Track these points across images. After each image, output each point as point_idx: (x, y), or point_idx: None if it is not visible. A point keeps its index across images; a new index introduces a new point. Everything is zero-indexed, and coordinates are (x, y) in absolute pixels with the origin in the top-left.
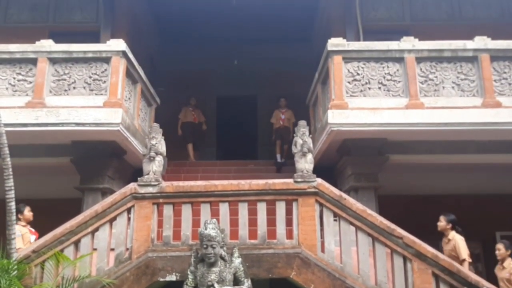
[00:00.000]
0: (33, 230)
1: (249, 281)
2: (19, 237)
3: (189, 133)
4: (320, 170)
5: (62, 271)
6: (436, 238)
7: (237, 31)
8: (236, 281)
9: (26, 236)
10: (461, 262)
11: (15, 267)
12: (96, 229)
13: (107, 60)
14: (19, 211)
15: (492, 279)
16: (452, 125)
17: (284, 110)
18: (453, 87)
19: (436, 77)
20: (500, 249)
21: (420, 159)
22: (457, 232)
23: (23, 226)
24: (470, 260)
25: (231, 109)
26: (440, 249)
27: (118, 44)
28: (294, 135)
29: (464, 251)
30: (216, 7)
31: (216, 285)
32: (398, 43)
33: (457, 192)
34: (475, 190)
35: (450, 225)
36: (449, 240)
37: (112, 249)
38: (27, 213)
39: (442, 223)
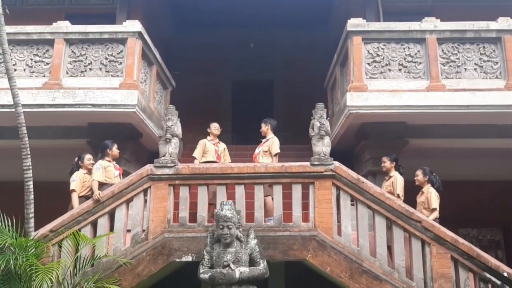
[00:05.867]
0: (117, 166)
1: (265, 262)
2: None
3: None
4: (337, 154)
5: (79, 250)
6: (455, 224)
7: (253, 14)
8: (252, 262)
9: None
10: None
11: (33, 245)
12: (113, 210)
13: (123, 41)
14: (106, 147)
15: None
16: (473, 107)
17: (264, 140)
18: (475, 69)
19: (458, 58)
20: (418, 175)
21: (440, 144)
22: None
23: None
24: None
25: (246, 93)
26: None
27: (134, 25)
28: (312, 117)
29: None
30: None
31: (232, 265)
32: (420, 24)
33: (478, 178)
34: (495, 176)
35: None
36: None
37: (128, 231)
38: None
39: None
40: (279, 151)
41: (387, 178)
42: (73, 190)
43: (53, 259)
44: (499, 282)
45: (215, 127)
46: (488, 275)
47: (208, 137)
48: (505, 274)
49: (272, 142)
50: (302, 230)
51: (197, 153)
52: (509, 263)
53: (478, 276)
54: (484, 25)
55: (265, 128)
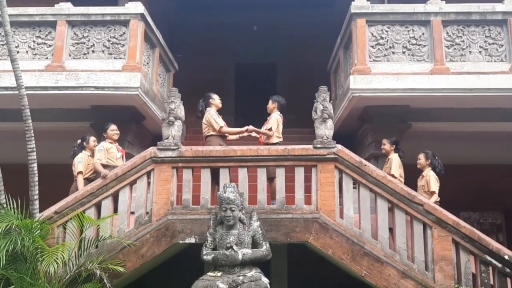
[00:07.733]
0: (120, 148)
1: (267, 244)
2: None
3: None
4: (340, 137)
5: (84, 232)
6: (457, 208)
7: None
8: (255, 244)
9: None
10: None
11: (38, 226)
12: (117, 192)
13: (125, 23)
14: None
15: None
16: (478, 91)
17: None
18: (480, 52)
19: (462, 41)
20: (420, 158)
21: (444, 127)
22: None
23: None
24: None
25: (250, 76)
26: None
27: (136, 7)
28: (315, 100)
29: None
30: None
31: (234, 247)
32: (424, 6)
33: (480, 162)
34: (498, 160)
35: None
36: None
37: (132, 213)
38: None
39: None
40: (275, 126)
41: (387, 161)
42: (80, 172)
43: (58, 240)
44: (500, 265)
45: (219, 99)
46: (489, 258)
47: (211, 109)
48: (506, 257)
49: (276, 120)
50: (304, 213)
51: (221, 122)
52: (510, 246)
53: (479, 259)
54: (490, 7)
55: (272, 105)
